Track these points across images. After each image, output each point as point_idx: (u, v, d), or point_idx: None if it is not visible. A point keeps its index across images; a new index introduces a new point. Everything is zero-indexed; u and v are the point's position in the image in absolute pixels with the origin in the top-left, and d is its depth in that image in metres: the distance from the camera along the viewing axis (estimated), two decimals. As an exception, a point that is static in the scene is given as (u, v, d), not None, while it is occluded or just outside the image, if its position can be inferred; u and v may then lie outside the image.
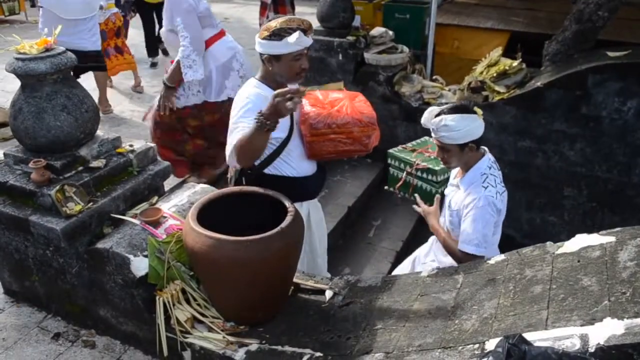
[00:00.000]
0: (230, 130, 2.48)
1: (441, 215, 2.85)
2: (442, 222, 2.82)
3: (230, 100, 3.79)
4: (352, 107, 2.70)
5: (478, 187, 2.59)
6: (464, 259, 2.56)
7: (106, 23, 5.97)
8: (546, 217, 4.75)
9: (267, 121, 2.22)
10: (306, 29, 2.45)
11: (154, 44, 7.65)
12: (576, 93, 4.22)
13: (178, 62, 3.69)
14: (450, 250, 2.67)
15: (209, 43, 3.81)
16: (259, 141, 2.34)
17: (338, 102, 2.72)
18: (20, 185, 2.43)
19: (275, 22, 2.43)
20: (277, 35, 2.42)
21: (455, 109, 2.60)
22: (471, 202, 2.58)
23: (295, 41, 2.40)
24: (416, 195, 3.10)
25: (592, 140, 4.31)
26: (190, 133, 4.03)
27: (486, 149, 2.75)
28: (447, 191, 2.85)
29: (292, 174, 2.68)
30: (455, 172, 2.83)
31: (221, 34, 3.91)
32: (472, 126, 2.57)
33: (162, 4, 6.49)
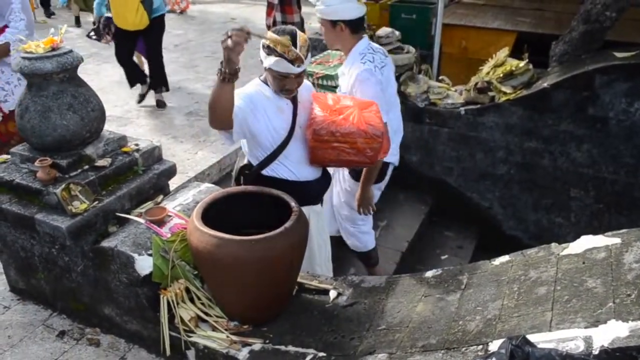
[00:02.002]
0: None
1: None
2: None
3: None
4: (359, 117, 2.60)
5: (357, 64, 2.89)
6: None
7: None
8: (553, 219, 4.72)
9: (224, 69, 2.17)
10: (291, 60, 2.39)
11: (135, 76, 6.01)
12: (583, 94, 4.19)
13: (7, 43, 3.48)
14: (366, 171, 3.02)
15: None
16: (223, 94, 2.28)
17: (346, 110, 2.64)
18: (27, 183, 2.44)
19: (270, 37, 2.40)
20: (267, 49, 2.42)
21: None
22: (355, 81, 2.86)
23: (270, 65, 2.42)
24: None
25: (599, 141, 4.28)
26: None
27: (365, 35, 3.08)
28: (340, 81, 3.15)
29: (291, 177, 2.66)
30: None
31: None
32: (342, 6, 2.88)
33: (145, 30, 5.51)
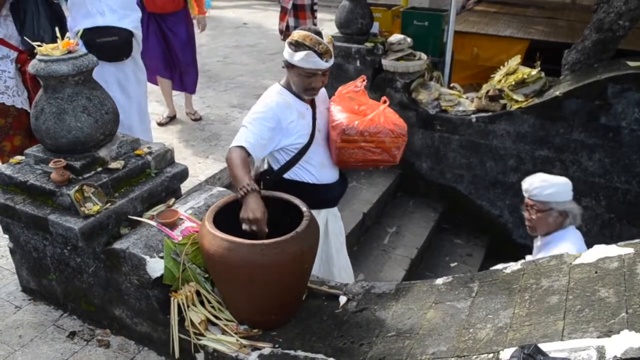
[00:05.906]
0: (242, 125, 2.53)
1: None
2: None
3: None
4: (385, 117, 2.68)
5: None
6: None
7: None
8: (563, 228, 4.70)
9: (241, 197, 2.26)
10: (321, 53, 2.42)
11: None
12: (595, 103, 4.18)
13: None
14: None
15: None
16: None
17: (372, 111, 2.71)
18: (40, 184, 2.46)
19: (298, 33, 2.46)
20: (294, 45, 2.45)
21: None
22: None
23: (299, 60, 2.43)
24: None
25: (611, 150, 4.26)
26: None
27: None
28: None
29: (312, 180, 2.68)
30: None
31: None
32: None
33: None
